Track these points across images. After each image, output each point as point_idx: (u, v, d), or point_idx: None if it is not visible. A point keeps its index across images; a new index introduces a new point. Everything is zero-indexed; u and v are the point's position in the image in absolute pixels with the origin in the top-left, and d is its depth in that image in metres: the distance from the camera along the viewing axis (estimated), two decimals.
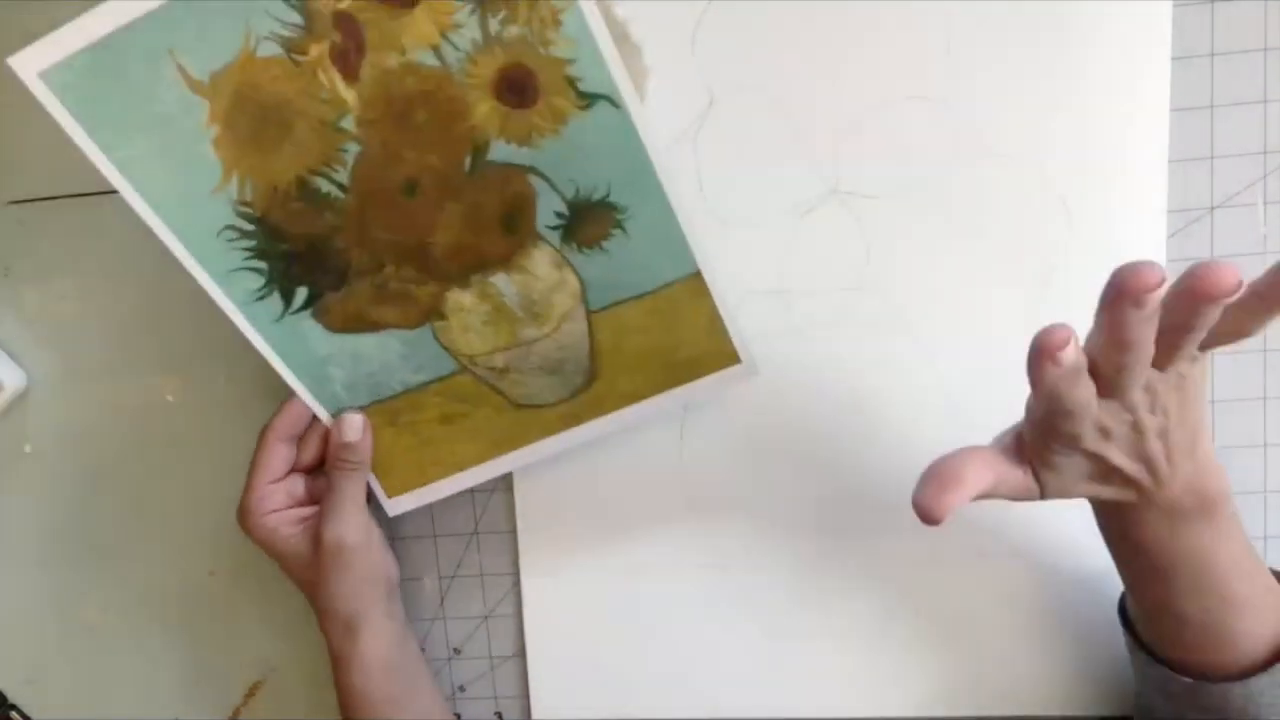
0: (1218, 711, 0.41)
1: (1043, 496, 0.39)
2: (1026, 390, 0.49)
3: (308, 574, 0.48)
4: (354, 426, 0.47)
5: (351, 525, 0.47)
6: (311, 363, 0.46)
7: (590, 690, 0.54)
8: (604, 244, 0.44)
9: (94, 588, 0.56)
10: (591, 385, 0.46)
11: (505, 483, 0.53)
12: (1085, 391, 0.35)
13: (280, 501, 0.48)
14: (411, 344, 0.45)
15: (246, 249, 0.43)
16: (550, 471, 0.52)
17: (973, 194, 0.48)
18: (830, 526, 0.51)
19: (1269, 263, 0.47)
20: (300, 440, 0.49)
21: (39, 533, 0.56)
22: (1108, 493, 0.38)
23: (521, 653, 0.54)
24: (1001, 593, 0.51)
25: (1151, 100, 0.47)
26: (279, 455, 0.48)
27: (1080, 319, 0.49)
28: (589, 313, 0.45)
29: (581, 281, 0.44)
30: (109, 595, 0.56)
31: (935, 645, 0.52)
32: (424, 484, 0.49)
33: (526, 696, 0.54)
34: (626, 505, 0.52)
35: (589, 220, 0.43)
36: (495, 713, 0.55)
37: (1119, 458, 0.37)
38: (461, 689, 0.55)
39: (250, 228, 0.42)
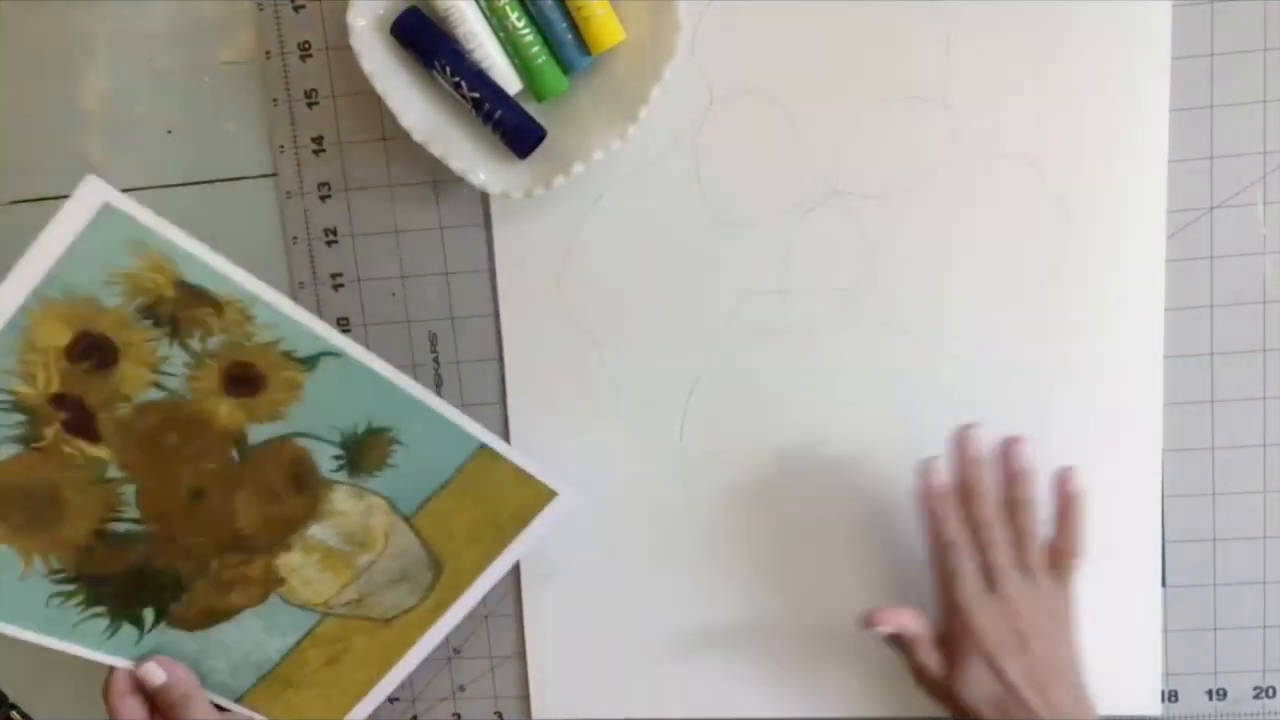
0: None
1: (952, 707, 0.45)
2: (1025, 389, 0.50)
3: None
4: (154, 672, 0.47)
5: None
6: (188, 663, 0.48)
7: (590, 690, 0.54)
8: (388, 461, 0.47)
9: None
10: (442, 574, 0.50)
11: None
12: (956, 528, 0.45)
13: None
14: (268, 616, 0.48)
15: (79, 604, 0.46)
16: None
17: (972, 194, 0.48)
18: (831, 526, 0.51)
19: (1269, 263, 0.48)
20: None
21: None
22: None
23: (521, 653, 0.54)
24: None
25: (1151, 100, 0.47)
26: (129, 708, 0.48)
27: (1080, 319, 0.49)
28: (407, 519, 0.48)
29: (386, 499, 0.48)
30: None
31: None
32: (343, 716, 0.51)
33: (526, 696, 0.54)
34: (626, 505, 0.52)
35: (366, 449, 0.47)
36: (495, 712, 0.55)
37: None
38: (462, 689, 0.55)
39: (72, 588, 0.45)
